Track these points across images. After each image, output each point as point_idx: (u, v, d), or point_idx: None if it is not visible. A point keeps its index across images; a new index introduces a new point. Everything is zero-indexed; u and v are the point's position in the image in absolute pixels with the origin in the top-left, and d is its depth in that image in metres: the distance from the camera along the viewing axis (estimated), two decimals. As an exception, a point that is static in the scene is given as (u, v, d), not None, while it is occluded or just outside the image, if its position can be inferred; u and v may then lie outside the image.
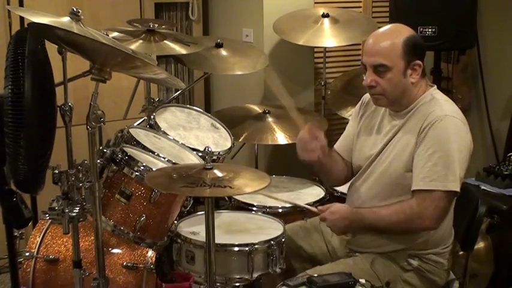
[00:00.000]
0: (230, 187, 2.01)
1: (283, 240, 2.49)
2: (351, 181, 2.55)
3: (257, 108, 3.61)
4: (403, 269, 2.36)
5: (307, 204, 2.88)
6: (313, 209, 2.50)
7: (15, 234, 2.25)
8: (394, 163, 2.32)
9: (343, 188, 2.97)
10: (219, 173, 2.07)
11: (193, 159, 2.74)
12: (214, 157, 2.86)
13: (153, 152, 2.60)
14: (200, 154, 2.75)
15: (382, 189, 2.36)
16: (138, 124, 3.15)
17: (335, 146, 2.63)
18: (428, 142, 2.23)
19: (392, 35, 2.29)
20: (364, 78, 2.33)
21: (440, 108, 2.28)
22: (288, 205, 2.87)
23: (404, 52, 2.25)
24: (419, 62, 2.29)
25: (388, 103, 2.35)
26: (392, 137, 2.36)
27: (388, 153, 2.35)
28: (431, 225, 2.27)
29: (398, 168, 2.31)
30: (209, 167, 2.09)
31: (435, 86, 2.40)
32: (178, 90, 3.90)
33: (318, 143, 2.38)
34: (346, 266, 2.32)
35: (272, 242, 2.45)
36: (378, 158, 2.38)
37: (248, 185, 2.09)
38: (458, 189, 2.23)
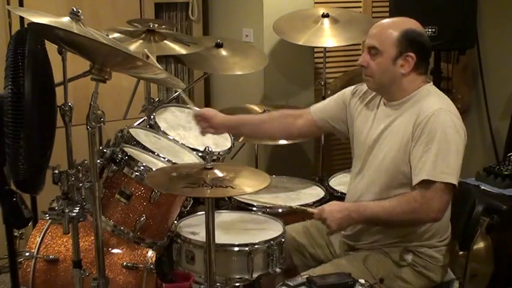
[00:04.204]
0: (232, 187, 2.01)
1: (283, 240, 2.49)
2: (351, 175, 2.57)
3: (257, 108, 3.62)
4: (397, 265, 2.36)
5: (307, 204, 2.89)
6: (312, 209, 2.49)
7: (15, 234, 2.26)
8: (389, 154, 2.33)
9: (343, 188, 2.97)
10: (219, 173, 2.07)
11: (193, 160, 2.74)
12: (214, 157, 2.86)
13: (153, 152, 2.60)
14: (200, 154, 2.75)
15: (379, 181, 2.36)
16: (138, 124, 3.15)
17: (311, 109, 2.66)
18: (422, 135, 2.24)
19: (394, 24, 2.36)
20: None
21: (435, 102, 2.30)
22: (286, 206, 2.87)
23: (399, 41, 2.30)
24: (412, 54, 2.32)
25: (376, 87, 2.41)
26: (386, 127, 2.37)
27: (383, 144, 2.37)
28: (436, 217, 2.26)
29: (394, 159, 2.32)
30: (209, 166, 2.09)
31: (431, 83, 2.42)
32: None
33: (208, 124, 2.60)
34: (339, 266, 2.32)
35: (272, 242, 2.44)
36: (374, 149, 2.40)
37: (249, 185, 2.09)
38: (455, 182, 2.23)
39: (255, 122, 2.77)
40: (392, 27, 2.34)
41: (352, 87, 2.59)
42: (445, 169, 2.21)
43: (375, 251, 2.39)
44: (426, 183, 2.21)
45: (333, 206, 2.37)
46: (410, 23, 2.36)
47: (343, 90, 2.63)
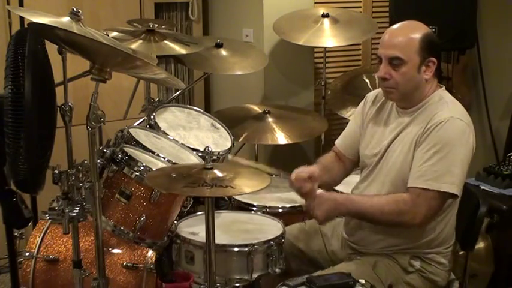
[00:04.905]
0: (232, 187, 2.01)
1: (282, 240, 2.49)
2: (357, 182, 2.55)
3: (257, 108, 3.61)
4: (405, 271, 2.35)
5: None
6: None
7: (15, 234, 2.26)
8: (399, 162, 2.32)
9: (344, 189, 2.96)
10: (219, 173, 2.07)
11: (194, 159, 2.74)
12: (214, 157, 2.86)
13: (153, 152, 2.60)
14: (200, 154, 2.75)
15: (388, 188, 2.35)
16: (138, 124, 3.15)
17: (336, 142, 2.65)
18: (431, 142, 2.23)
19: (410, 31, 2.30)
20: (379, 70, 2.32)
21: (447, 110, 2.28)
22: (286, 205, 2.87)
23: (421, 48, 2.26)
24: (433, 59, 2.29)
25: (400, 97, 2.34)
26: (398, 134, 2.35)
27: (393, 151, 2.35)
28: (421, 223, 2.25)
29: (404, 167, 2.30)
30: (209, 166, 2.09)
31: (444, 87, 2.39)
32: (178, 90, 3.90)
33: (309, 183, 2.37)
34: (348, 270, 2.31)
35: (272, 243, 2.44)
36: (384, 156, 2.38)
37: (248, 185, 2.09)
38: (455, 191, 2.22)
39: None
40: (411, 34, 2.28)
41: (362, 101, 2.57)
42: (444, 178, 2.19)
43: (383, 257, 2.37)
44: (420, 189, 2.21)
45: (323, 195, 2.34)
46: (423, 27, 2.32)
47: (357, 109, 2.59)
